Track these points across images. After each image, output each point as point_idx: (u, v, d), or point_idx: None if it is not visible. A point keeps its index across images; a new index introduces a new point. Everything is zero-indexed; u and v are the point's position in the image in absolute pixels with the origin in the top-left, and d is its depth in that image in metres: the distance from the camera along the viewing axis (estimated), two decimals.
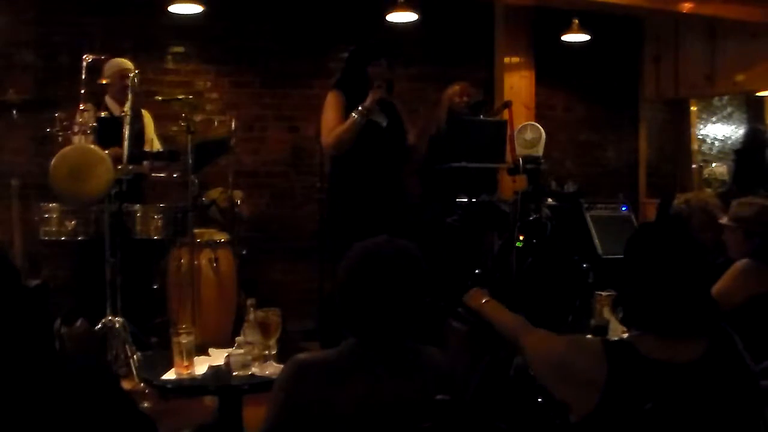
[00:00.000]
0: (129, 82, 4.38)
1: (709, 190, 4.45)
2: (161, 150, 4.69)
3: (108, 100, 4.64)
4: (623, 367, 1.73)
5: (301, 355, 1.90)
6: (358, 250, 1.91)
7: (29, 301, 1.52)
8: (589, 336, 3.04)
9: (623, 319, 1.89)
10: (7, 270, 1.49)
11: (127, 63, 4.67)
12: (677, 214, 3.66)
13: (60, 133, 4.28)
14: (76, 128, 4.35)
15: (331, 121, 4.37)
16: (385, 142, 4.43)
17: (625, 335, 2.77)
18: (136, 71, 4.33)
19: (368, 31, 5.72)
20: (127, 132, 4.18)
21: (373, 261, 1.88)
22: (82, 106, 4.23)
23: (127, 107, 4.21)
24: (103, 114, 4.32)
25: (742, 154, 7.33)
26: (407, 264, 1.88)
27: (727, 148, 7.96)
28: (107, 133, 4.17)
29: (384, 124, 4.47)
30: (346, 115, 4.33)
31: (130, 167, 4.19)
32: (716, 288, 2.78)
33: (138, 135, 4.47)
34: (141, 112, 4.74)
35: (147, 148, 4.73)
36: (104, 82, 4.56)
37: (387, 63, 4.49)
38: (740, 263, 3.00)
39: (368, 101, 4.29)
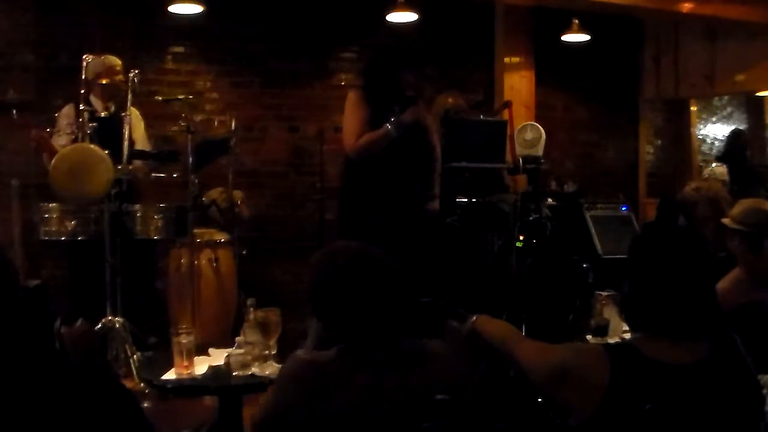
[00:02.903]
0: (120, 79, 4.39)
1: (719, 183, 4.37)
2: (150, 150, 4.65)
3: (92, 98, 4.54)
4: (626, 368, 1.73)
5: (304, 354, 1.90)
6: (317, 260, 1.93)
7: (29, 301, 1.52)
8: (588, 336, 3.04)
9: (628, 322, 1.89)
10: (5, 270, 1.49)
11: (116, 60, 4.64)
12: (684, 200, 3.64)
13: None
14: (59, 129, 4.37)
15: (356, 124, 4.10)
16: (406, 147, 4.25)
17: (626, 336, 2.78)
18: (136, 71, 4.32)
19: (368, 31, 5.72)
20: (127, 131, 4.18)
21: (334, 268, 1.89)
22: (82, 106, 4.23)
23: (128, 106, 4.21)
24: (82, 110, 4.24)
25: (725, 159, 7.36)
26: (370, 266, 1.89)
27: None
28: (99, 132, 4.15)
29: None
30: (371, 117, 4.11)
31: (130, 167, 4.18)
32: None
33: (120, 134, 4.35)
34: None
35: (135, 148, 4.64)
36: (104, 82, 4.53)
37: (417, 72, 4.32)
38: (744, 268, 2.98)
39: (409, 117, 4.06)
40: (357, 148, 4.09)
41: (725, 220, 3.10)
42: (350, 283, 1.86)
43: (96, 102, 4.55)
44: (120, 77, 4.53)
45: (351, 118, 4.15)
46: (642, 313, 1.82)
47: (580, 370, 1.77)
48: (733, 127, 8.02)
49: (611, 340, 2.90)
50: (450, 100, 5.36)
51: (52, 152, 4.15)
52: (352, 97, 4.21)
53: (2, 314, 1.45)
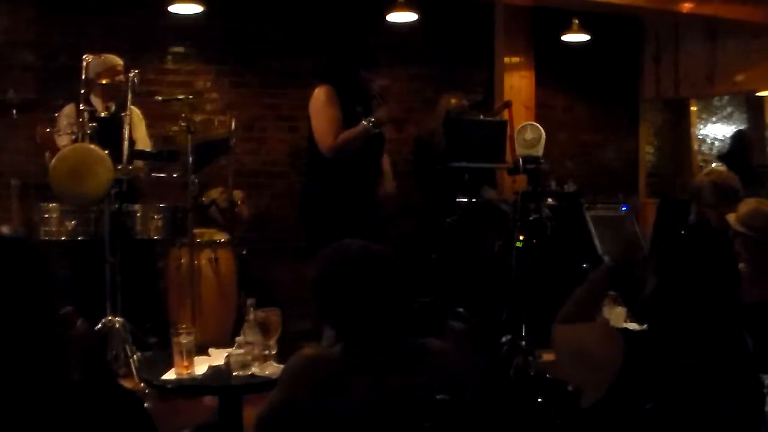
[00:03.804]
0: (121, 79, 4.39)
1: (731, 173, 4.35)
2: (149, 149, 4.65)
3: (93, 98, 4.52)
4: (638, 359, 1.74)
5: (309, 351, 1.91)
6: (325, 256, 1.93)
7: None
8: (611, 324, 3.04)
9: (646, 319, 1.89)
10: (41, 266, 1.48)
11: (118, 59, 4.63)
12: (693, 185, 3.65)
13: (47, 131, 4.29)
14: (59, 129, 4.36)
15: (332, 122, 4.05)
16: (370, 144, 4.24)
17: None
18: (136, 71, 4.32)
19: (368, 31, 5.71)
20: (127, 131, 4.17)
21: (341, 265, 1.89)
22: (82, 106, 4.23)
23: (128, 106, 4.21)
24: (81, 110, 4.22)
25: (727, 159, 7.36)
26: (376, 264, 1.89)
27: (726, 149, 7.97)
28: (99, 132, 4.15)
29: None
30: (344, 112, 4.12)
31: (130, 167, 4.18)
32: None
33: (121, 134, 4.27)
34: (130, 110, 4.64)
35: (136, 148, 4.62)
36: (104, 82, 4.52)
37: (375, 71, 4.27)
38: (742, 268, 2.98)
39: (383, 115, 4.09)
40: (335, 147, 4.06)
41: (730, 218, 3.10)
42: (356, 281, 1.85)
43: (96, 102, 4.54)
44: (121, 77, 4.52)
45: (325, 116, 4.09)
46: (665, 312, 1.82)
47: (594, 349, 1.79)
48: (735, 128, 8.01)
49: None
50: (453, 100, 5.38)
51: (56, 151, 4.15)
52: (322, 95, 4.14)
53: (35, 312, 1.45)
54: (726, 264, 1.82)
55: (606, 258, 2.19)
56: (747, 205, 3.09)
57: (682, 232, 1.93)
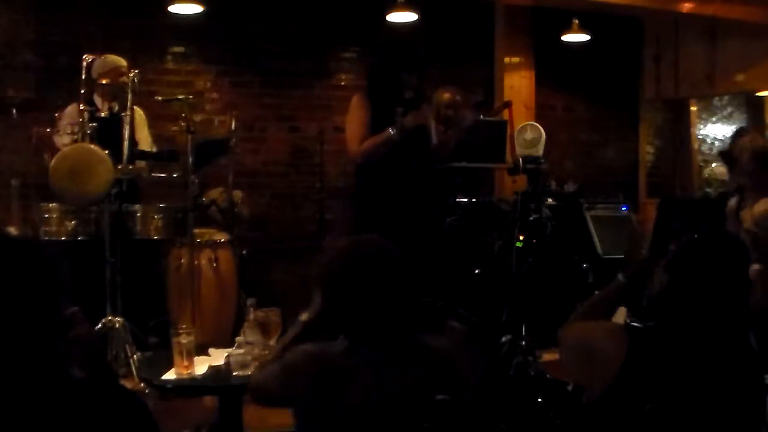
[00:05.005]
0: (124, 80, 4.38)
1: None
2: (152, 150, 4.64)
3: (96, 98, 4.55)
4: (641, 354, 1.74)
5: (309, 347, 1.90)
6: (337, 250, 1.92)
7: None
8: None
9: (653, 314, 1.89)
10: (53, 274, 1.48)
11: (122, 60, 4.63)
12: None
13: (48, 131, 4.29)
14: (59, 129, 4.36)
15: (358, 128, 4.10)
16: (409, 147, 4.25)
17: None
18: (136, 71, 4.32)
19: (368, 31, 5.72)
20: (126, 131, 4.17)
21: (351, 261, 1.88)
22: (82, 106, 4.23)
23: (128, 106, 4.21)
24: (81, 110, 4.22)
25: (727, 156, 7.37)
26: (385, 263, 1.88)
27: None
28: (100, 132, 4.15)
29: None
30: (374, 120, 4.09)
31: (131, 167, 4.18)
32: None
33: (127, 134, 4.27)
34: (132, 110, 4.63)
35: (138, 148, 4.61)
36: (104, 82, 4.52)
37: (418, 74, 4.16)
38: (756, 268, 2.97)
39: (411, 121, 4.02)
40: (360, 153, 4.08)
41: (746, 215, 3.09)
42: (364, 278, 1.84)
43: (99, 102, 4.56)
44: (125, 78, 4.52)
45: (353, 122, 4.14)
46: (673, 310, 1.82)
47: (597, 345, 1.80)
48: (738, 127, 8.01)
49: None
50: (446, 95, 5.35)
51: (54, 151, 4.15)
52: (355, 101, 4.19)
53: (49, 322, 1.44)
54: (740, 270, 1.83)
55: (620, 274, 2.18)
56: (763, 205, 3.08)
57: (695, 235, 1.93)
